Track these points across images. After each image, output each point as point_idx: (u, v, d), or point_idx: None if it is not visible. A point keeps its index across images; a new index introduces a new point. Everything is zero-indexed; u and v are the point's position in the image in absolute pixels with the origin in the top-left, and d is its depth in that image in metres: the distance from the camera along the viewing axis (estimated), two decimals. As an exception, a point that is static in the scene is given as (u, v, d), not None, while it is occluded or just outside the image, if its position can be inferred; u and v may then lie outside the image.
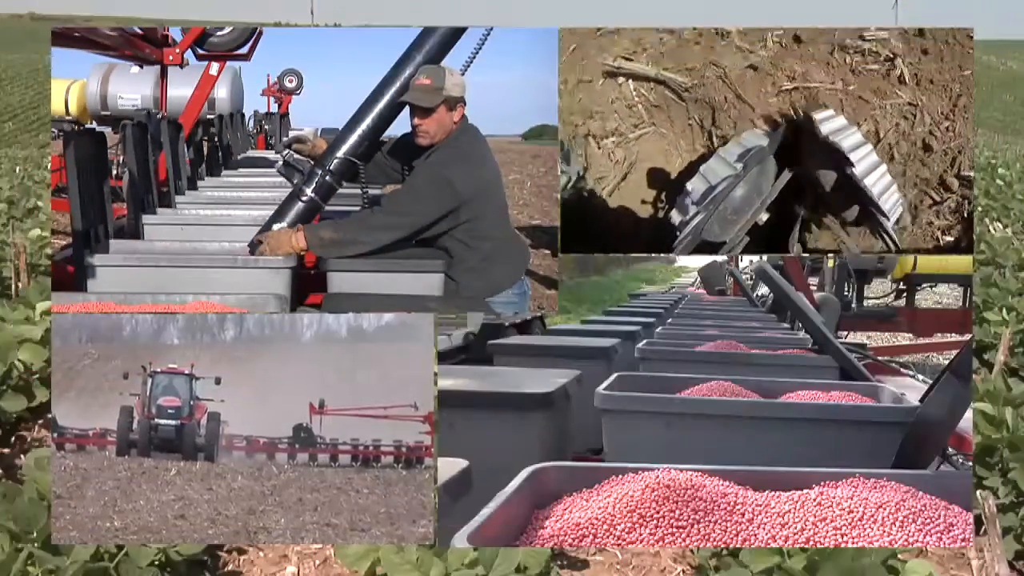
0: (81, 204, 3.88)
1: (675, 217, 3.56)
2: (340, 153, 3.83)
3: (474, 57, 3.84)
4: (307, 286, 4.01)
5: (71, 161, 3.78)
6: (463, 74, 3.79)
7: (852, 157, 3.42)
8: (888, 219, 3.50)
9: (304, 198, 3.83)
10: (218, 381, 4.74)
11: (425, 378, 4.01)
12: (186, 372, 4.69)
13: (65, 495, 3.39)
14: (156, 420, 4.51)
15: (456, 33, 3.82)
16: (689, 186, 3.52)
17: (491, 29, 3.89)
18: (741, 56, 3.84)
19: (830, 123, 3.58)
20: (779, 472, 1.88)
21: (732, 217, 3.41)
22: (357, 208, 4.04)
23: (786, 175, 3.52)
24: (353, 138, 3.83)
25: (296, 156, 4.01)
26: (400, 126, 3.89)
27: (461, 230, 3.67)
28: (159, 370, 4.68)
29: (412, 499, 3.60)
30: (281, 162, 4.00)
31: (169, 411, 4.54)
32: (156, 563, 2.80)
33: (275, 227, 3.84)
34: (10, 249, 6.52)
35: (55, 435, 4.37)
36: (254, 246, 3.74)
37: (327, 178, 3.83)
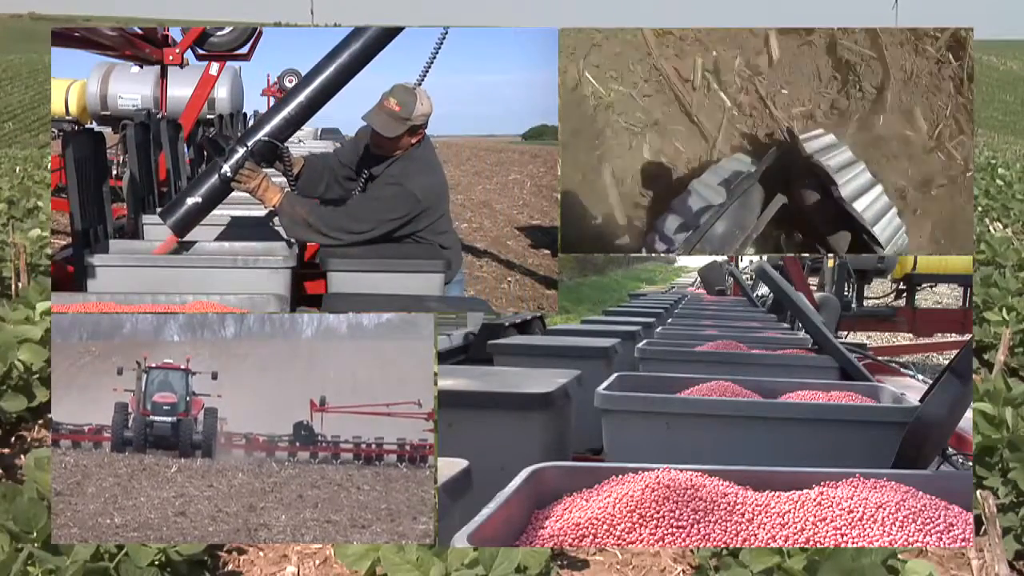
0: (80, 204, 3.88)
1: (658, 247, 3.42)
2: (262, 134, 3.81)
3: (432, 61, 3.82)
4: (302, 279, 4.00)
5: (70, 161, 3.78)
6: (422, 78, 3.81)
7: (837, 178, 3.20)
8: (884, 248, 3.26)
9: (222, 175, 3.77)
10: (215, 376, 4.69)
11: (428, 375, 4.01)
12: (182, 367, 4.64)
13: (65, 492, 3.38)
14: (151, 417, 4.46)
15: (389, 33, 3.80)
16: (664, 223, 3.33)
17: (447, 30, 3.87)
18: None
19: (816, 142, 3.34)
20: (779, 472, 1.88)
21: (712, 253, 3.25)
22: None
23: (778, 201, 3.31)
24: (277, 120, 3.80)
25: (221, 133, 3.99)
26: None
27: (415, 231, 3.80)
28: (154, 365, 4.63)
29: (413, 496, 3.59)
30: (204, 138, 3.98)
31: (165, 407, 4.47)
32: (156, 563, 2.80)
33: (189, 201, 3.81)
34: (10, 249, 6.53)
35: (52, 431, 4.36)
36: (234, 170, 3.73)
37: (246, 158, 3.80)
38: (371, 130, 3.79)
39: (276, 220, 4.09)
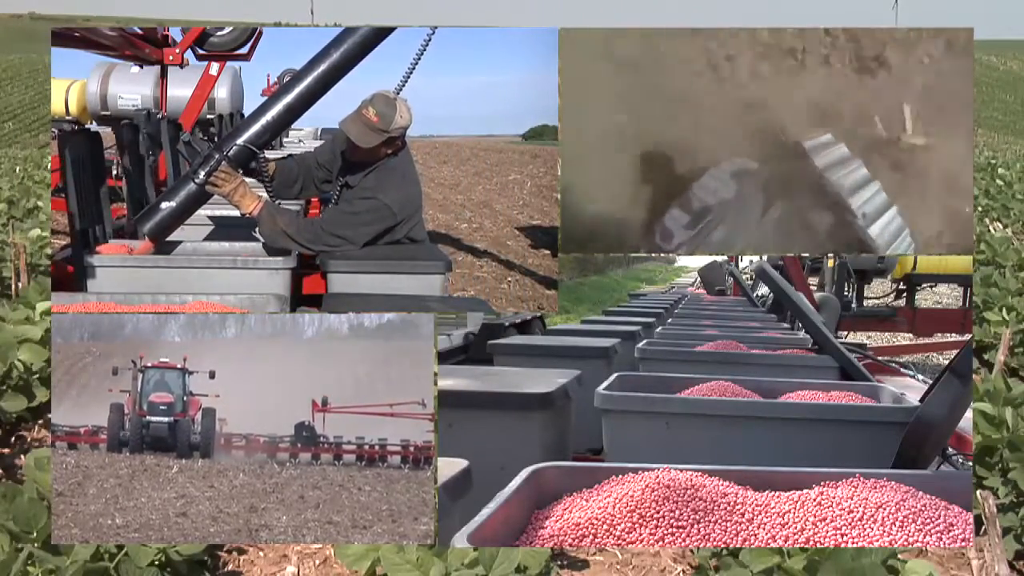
0: (78, 204, 3.87)
1: (661, 244, 3.41)
2: (240, 140, 3.79)
3: (418, 60, 3.79)
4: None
5: (67, 161, 3.78)
6: (407, 79, 3.78)
7: (852, 202, 3.17)
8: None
9: (197, 180, 3.77)
10: (212, 375, 4.63)
11: (428, 375, 4.00)
12: (178, 367, 4.57)
13: (66, 492, 3.38)
14: (148, 417, 4.39)
15: (379, 34, 3.79)
16: (671, 215, 3.33)
17: (435, 29, 3.84)
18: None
19: (826, 155, 3.30)
20: (779, 472, 1.89)
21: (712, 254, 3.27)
22: None
23: (777, 208, 3.29)
24: (256, 127, 3.79)
25: (199, 137, 3.98)
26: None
27: (393, 240, 3.82)
28: (150, 365, 4.57)
29: (414, 496, 3.59)
30: (181, 142, 4.00)
31: (161, 408, 4.40)
32: (156, 563, 2.80)
33: (164, 206, 3.81)
34: (10, 249, 6.53)
35: (51, 432, 4.34)
36: (208, 174, 3.72)
37: (223, 164, 3.78)
38: (347, 137, 3.77)
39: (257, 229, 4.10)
